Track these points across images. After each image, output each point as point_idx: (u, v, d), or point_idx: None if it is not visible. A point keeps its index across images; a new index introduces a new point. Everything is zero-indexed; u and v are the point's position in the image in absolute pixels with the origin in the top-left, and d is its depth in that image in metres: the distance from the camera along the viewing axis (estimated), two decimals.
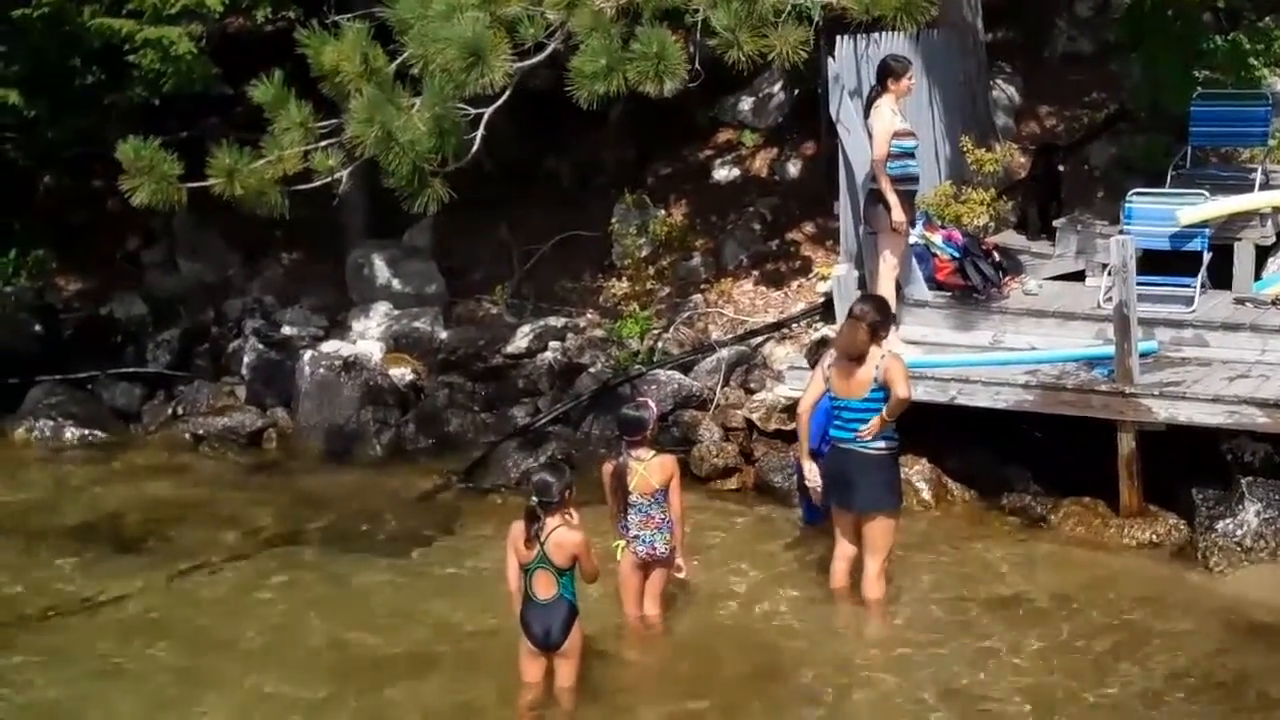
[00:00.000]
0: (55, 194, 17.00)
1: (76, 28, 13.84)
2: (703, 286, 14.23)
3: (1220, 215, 12.19)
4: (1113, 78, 15.50)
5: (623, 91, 10.46)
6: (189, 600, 10.63)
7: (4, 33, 14.16)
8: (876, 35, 12.29)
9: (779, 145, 15.79)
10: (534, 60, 11.03)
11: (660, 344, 13.45)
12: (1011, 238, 13.48)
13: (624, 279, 14.17)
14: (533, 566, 8.66)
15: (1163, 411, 10.87)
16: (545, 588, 8.66)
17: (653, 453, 9.55)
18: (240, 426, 13.90)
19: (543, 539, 8.59)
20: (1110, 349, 11.12)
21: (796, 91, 15.68)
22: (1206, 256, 12.06)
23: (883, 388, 9.54)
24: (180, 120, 14.94)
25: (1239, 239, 12.38)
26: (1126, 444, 10.90)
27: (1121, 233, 11.73)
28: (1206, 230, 12.09)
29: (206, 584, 10.89)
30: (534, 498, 8.68)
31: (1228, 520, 10.55)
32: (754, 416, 12.49)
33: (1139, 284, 11.09)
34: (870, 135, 11.70)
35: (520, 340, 13.95)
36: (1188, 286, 11.97)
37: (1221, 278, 12.31)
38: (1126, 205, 12.27)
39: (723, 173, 15.81)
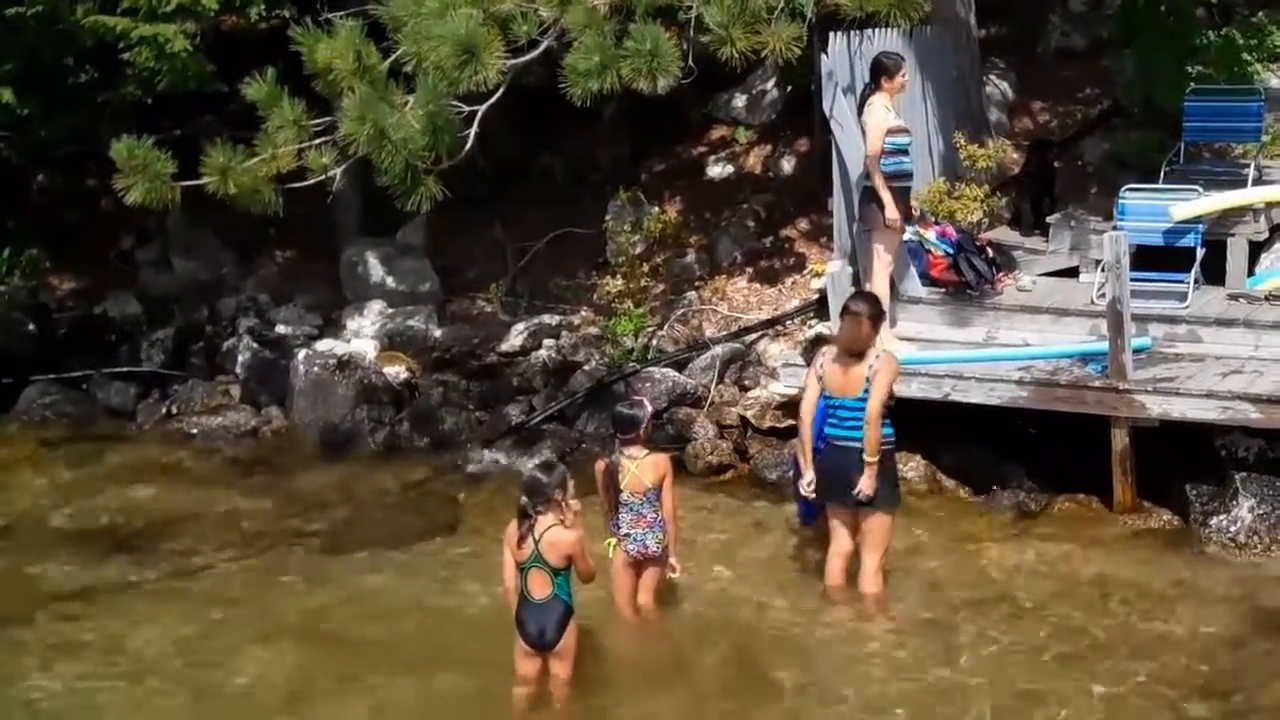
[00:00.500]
0: (49, 193, 16.98)
1: (70, 26, 13.82)
2: (697, 283, 14.23)
3: (1214, 211, 12.20)
4: (1106, 73, 15.52)
5: (616, 89, 10.46)
6: (183, 599, 10.61)
7: None
8: (869, 31, 12.31)
9: (773, 142, 15.79)
10: (527, 57, 11.02)
11: (655, 341, 13.45)
12: (1005, 234, 13.50)
13: (618, 276, 14.17)
14: (527, 565, 8.64)
15: (1156, 407, 10.89)
16: (540, 587, 8.65)
17: (646, 451, 9.54)
18: (235, 425, 13.90)
19: (537, 538, 8.59)
20: (1104, 345, 11.14)
21: (790, 88, 15.69)
22: (1200, 252, 12.08)
23: None
24: (174, 119, 14.93)
25: (1232, 234, 12.40)
26: (1120, 440, 10.91)
27: (1115, 228, 11.76)
28: (1200, 226, 12.11)
29: (201, 582, 10.87)
30: (524, 496, 8.68)
31: (1222, 516, 10.57)
32: (748, 413, 12.50)
33: (1132, 280, 11.12)
34: (864, 132, 11.71)
35: (515, 338, 13.94)
36: (1181, 282, 11.98)
37: (1215, 273, 12.33)
38: (1120, 201, 12.28)
39: (717, 169, 15.81)
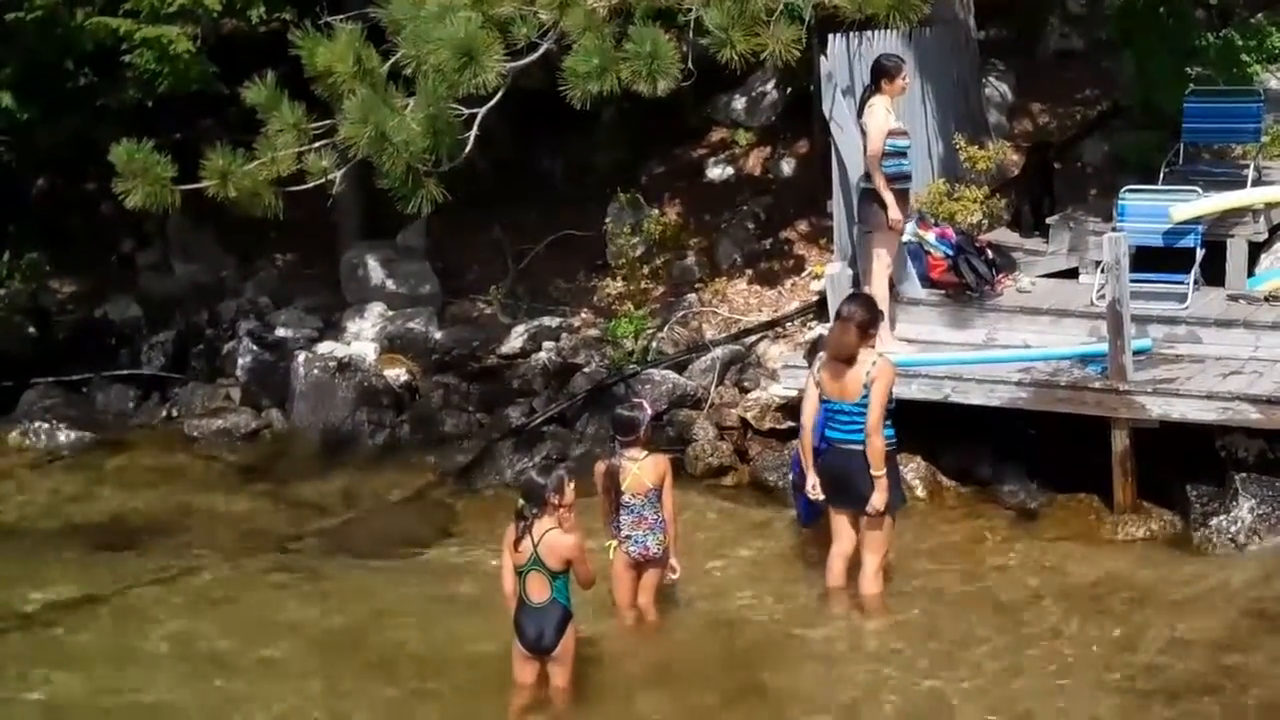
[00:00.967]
0: (49, 197, 16.98)
1: (70, 30, 13.82)
2: (697, 286, 14.23)
3: (1213, 212, 12.20)
4: (1105, 75, 15.52)
5: (616, 91, 10.46)
6: (184, 601, 10.62)
7: None
8: (869, 33, 12.32)
9: (772, 144, 15.80)
10: (527, 60, 11.02)
11: (654, 343, 13.45)
12: (1005, 235, 13.50)
13: (618, 278, 14.18)
14: (526, 568, 8.64)
15: (1156, 408, 10.89)
16: (539, 590, 8.64)
17: (646, 453, 9.55)
18: (235, 428, 13.91)
19: (535, 541, 8.58)
20: (1104, 346, 11.14)
21: (789, 90, 15.69)
22: (1199, 253, 12.08)
23: None
24: (174, 122, 14.94)
25: (1232, 235, 12.40)
26: (1120, 441, 10.91)
27: (1115, 230, 11.75)
28: (1199, 227, 12.11)
29: (201, 585, 10.88)
30: (521, 499, 8.67)
31: (1222, 516, 10.57)
32: (748, 415, 12.50)
33: (1132, 281, 11.12)
34: (864, 133, 11.72)
35: (515, 340, 13.95)
36: (1181, 283, 11.98)
37: (1215, 274, 12.33)
38: (1119, 202, 12.28)
39: (716, 172, 15.82)
